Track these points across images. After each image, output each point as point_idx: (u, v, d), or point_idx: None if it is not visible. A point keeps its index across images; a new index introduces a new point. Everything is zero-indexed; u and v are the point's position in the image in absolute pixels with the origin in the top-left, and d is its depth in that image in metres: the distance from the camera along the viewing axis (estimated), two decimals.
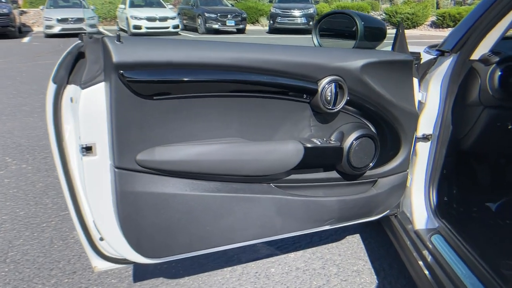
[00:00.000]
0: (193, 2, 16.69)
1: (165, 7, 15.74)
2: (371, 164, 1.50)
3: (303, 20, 15.83)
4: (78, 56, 1.15)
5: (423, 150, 1.70)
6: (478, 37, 1.50)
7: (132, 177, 1.12)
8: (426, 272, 1.49)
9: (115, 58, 0.99)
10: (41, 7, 14.61)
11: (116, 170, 1.10)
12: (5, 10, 12.23)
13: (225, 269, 2.03)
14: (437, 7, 19.79)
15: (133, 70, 1.03)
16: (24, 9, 18.29)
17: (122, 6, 15.52)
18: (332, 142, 1.41)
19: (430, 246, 1.57)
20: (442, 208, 1.74)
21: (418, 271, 1.54)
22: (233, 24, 15.62)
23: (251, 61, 1.17)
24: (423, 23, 18.05)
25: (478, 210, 1.90)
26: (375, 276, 1.99)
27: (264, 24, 18.78)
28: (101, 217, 1.18)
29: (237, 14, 15.80)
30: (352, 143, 1.42)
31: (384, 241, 2.30)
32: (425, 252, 1.57)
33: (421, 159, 1.72)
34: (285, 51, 1.23)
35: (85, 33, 1.20)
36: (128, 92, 1.04)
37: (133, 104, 1.06)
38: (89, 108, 1.07)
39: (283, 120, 1.34)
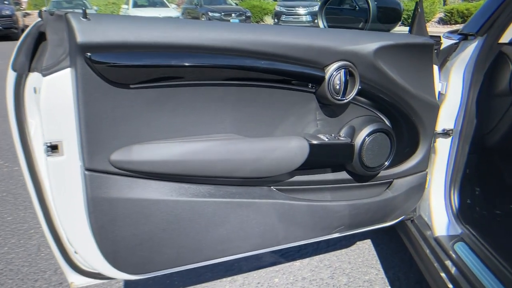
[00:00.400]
0: (197, 1, 16.56)
1: (168, 7, 15.67)
2: (386, 163, 1.32)
3: (308, 18, 15.59)
4: (40, 37, 0.98)
5: (443, 147, 1.52)
6: (509, 17, 1.31)
7: (105, 181, 0.95)
8: (450, 285, 1.31)
9: (80, 38, 0.82)
10: (43, 8, 14.56)
11: (86, 172, 0.93)
12: (8, 12, 12.18)
13: (224, 279, 1.85)
14: (444, 3, 19.44)
15: (103, 53, 0.86)
16: (28, 11, 18.28)
17: (126, 6, 15.47)
18: (342, 138, 1.23)
19: (453, 255, 1.38)
20: (466, 212, 1.55)
21: (441, 285, 1.35)
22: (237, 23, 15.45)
23: (247, 43, 0.99)
24: (430, 20, 17.72)
25: (505, 214, 1.70)
26: (389, 287, 1.80)
27: (269, 23, 18.60)
28: (72, 228, 1.01)
29: (241, 13, 15.64)
30: (364, 139, 1.24)
31: (398, 247, 2.11)
32: (448, 262, 1.38)
33: (441, 157, 1.53)
34: (286, 32, 1.06)
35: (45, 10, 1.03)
36: (98, 79, 0.87)
37: (104, 94, 0.89)
38: (52, 99, 0.90)
39: (285, 114, 1.17)
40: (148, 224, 1.01)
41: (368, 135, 1.24)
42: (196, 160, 1.01)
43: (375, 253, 2.08)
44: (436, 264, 1.42)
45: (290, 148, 1.11)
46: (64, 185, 0.97)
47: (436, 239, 1.50)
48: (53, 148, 0.93)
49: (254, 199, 1.15)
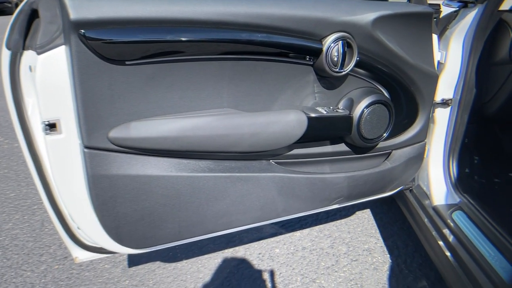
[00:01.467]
0: None
1: None
2: (384, 134, 1.32)
3: None
4: (33, 14, 0.95)
5: (442, 117, 1.51)
6: None
7: (105, 158, 0.95)
8: (448, 253, 1.34)
9: (72, 15, 0.80)
10: None
11: (86, 150, 0.93)
12: None
13: (226, 250, 1.90)
14: None
15: (97, 29, 0.83)
16: None
17: None
18: (340, 110, 1.22)
19: (451, 224, 1.41)
20: (464, 182, 1.56)
21: (438, 252, 1.38)
22: None
23: (242, 16, 0.96)
24: None
25: (503, 183, 1.71)
26: (388, 255, 1.84)
27: None
28: (74, 205, 1.02)
29: None
30: (363, 111, 1.23)
31: (397, 217, 2.14)
32: (446, 231, 1.40)
33: (440, 127, 1.52)
34: (282, 4, 1.02)
35: None
36: (93, 56, 0.85)
37: (100, 71, 0.87)
38: (48, 77, 0.88)
39: (282, 87, 1.15)
40: (148, 200, 1.02)
41: (367, 106, 1.23)
42: (195, 135, 1.00)
43: (374, 222, 2.12)
44: (434, 233, 1.44)
45: (288, 121, 1.10)
46: (64, 163, 0.96)
47: (435, 208, 1.52)
48: (51, 127, 0.92)
49: (254, 173, 1.15)
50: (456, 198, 1.51)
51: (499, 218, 1.34)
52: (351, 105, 1.24)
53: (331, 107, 1.22)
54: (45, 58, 0.87)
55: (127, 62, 0.90)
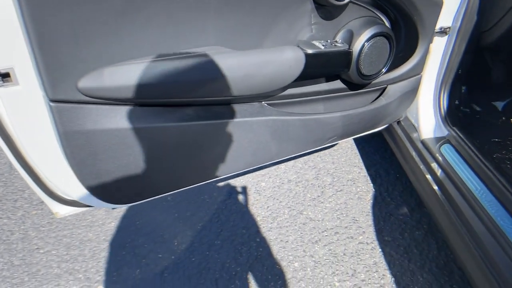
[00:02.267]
0: None
1: None
2: (383, 70, 1.22)
3: None
4: None
5: (437, 46, 1.42)
6: None
7: (78, 112, 0.81)
8: (435, 187, 1.35)
9: None
10: None
11: (52, 104, 0.78)
12: None
13: (212, 187, 1.87)
14: None
15: None
16: None
17: None
18: (339, 44, 1.09)
19: (440, 157, 1.40)
20: (453, 114, 1.53)
21: (426, 187, 1.40)
22: None
23: None
24: None
25: (493, 115, 1.71)
26: (371, 184, 1.88)
27: None
28: (48, 166, 0.90)
29: None
30: (363, 45, 1.11)
31: (379, 145, 2.15)
32: (434, 165, 1.41)
33: (435, 57, 1.44)
34: None
35: None
36: None
37: (57, 5, 0.70)
38: None
39: (275, 19, 1.00)
40: (133, 154, 0.92)
41: (368, 40, 1.11)
42: (179, 81, 0.87)
43: (357, 152, 2.13)
44: (422, 167, 1.45)
45: (284, 60, 0.98)
46: (28, 120, 0.82)
47: (423, 142, 1.51)
48: (3, 77, 0.76)
49: (245, 118, 1.05)
50: (445, 131, 1.50)
51: (488, 152, 1.35)
52: (350, 38, 1.11)
53: (329, 41, 1.10)
54: None
55: None
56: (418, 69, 1.36)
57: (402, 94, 1.38)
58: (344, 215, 1.71)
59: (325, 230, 1.63)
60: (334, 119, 1.25)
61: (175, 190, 1.08)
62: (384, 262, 1.47)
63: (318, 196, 1.82)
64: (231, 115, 1.03)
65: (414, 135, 1.55)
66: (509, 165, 1.39)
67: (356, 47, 1.11)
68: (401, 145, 1.59)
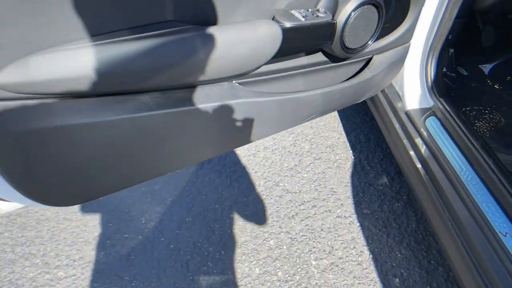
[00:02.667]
0: None
1: None
2: (370, 42, 1.06)
3: None
4: None
5: (427, 11, 1.26)
6: None
7: (1, 113, 0.63)
8: (419, 165, 1.27)
9: None
10: None
11: None
12: None
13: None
14: None
15: None
16: None
17: None
18: (321, 14, 0.91)
19: (424, 133, 1.31)
20: (440, 83, 1.41)
21: (408, 163, 1.32)
22: None
23: None
24: None
25: (474, 77, 1.60)
26: (351, 151, 1.79)
27: None
28: None
29: None
30: (349, 15, 0.94)
31: (360, 108, 2.04)
32: (418, 141, 1.31)
33: (423, 23, 1.28)
34: None
35: None
36: None
37: None
38: None
39: None
40: (79, 155, 0.75)
41: (355, 9, 0.94)
42: (130, 69, 0.69)
43: (336, 115, 2.01)
44: (405, 141, 1.35)
45: (258, 38, 0.80)
46: None
47: (407, 113, 1.40)
48: None
49: (214, 103, 0.89)
50: (430, 102, 1.39)
51: (474, 126, 1.26)
52: (334, 5, 0.93)
53: (309, 10, 0.91)
54: None
55: None
56: (407, 37, 1.21)
57: (389, 64, 1.23)
58: (322, 186, 1.63)
59: (302, 203, 1.55)
60: (314, 97, 1.10)
61: (134, 185, 0.94)
62: (362, 238, 1.43)
63: (295, 165, 1.72)
64: (197, 100, 0.87)
65: (398, 105, 1.44)
66: (495, 141, 1.32)
67: (341, 17, 0.94)
68: (383, 115, 1.48)
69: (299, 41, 0.91)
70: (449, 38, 1.35)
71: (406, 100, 1.40)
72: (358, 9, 0.94)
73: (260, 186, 1.62)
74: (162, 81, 0.75)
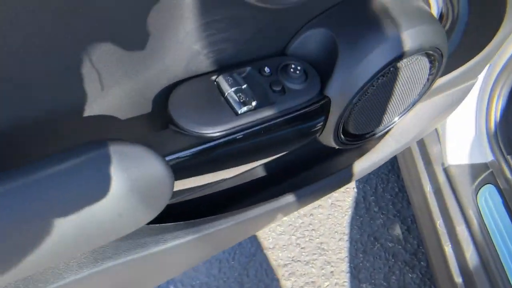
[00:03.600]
0: None
1: None
2: (396, 119, 0.54)
3: None
4: None
5: None
6: None
7: None
8: (458, 279, 0.78)
9: None
10: None
11: None
12: None
13: None
14: None
15: None
16: None
17: None
18: (294, 86, 0.40)
19: (471, 213, 0.81)
20: (508, 130, 0.85)
21: (440, 260, 0.82)
22: None
23: None
24: None
25: None
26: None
27: None
28: None
29: None
30: (369, 82, 0.42)
31: None
32: (460, 229, 0.81)
33: None
34: None
35: None
36: None
37: None
38: None
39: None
40: None
41: (384, 69, 0.43)
42: None
43: None
44: (439, 222, 0.84)
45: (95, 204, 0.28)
46: None
47: (447, 170, 0.88)
48: None
49: (110, 262, 0.39)
50: (489, 156, 0.86)
51: None
52: (327, 53, 0.38)
53: (266, 69, 0.37)
54: None
55: None
56: (478, 69, 0.64)
57: (437, 115, 0.67)
58: (307, 239, 1.15)
59: (278, 267, 1.09)
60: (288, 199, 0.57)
61: None
62: None
63: None
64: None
65: (434, 153, 0.89)
66: None
67: (349, 86, 0.40)
68: (409, 165, 0.95)
69: (245, 152, 0.40)
70: None
71: (447, 148, 0.85)
72: (392, 67, 0.40)
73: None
74: None
